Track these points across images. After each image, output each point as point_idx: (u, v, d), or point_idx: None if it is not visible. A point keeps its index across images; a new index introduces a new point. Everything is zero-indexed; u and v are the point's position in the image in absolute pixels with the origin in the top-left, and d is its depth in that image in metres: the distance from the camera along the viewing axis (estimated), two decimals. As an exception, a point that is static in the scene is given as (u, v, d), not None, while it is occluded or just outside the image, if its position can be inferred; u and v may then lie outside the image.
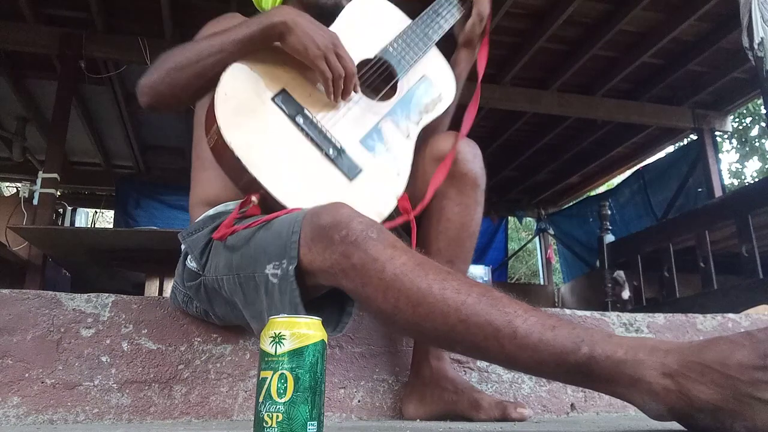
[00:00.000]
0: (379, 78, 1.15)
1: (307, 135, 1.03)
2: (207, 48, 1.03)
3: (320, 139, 1.03)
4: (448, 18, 1.26)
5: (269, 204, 0.96)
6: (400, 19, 1.23)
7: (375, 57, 1.16)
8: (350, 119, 1.09)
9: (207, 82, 1.03)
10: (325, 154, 1.03)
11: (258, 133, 0.99)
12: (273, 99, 1.02)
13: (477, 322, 0.73)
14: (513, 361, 0.73)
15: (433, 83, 1.21)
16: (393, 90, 1.16)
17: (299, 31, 1.02)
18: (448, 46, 1.30)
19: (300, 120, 1.03)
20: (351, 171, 1.05)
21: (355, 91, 1.09)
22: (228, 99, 0.99)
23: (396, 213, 1.07)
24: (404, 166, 1.11)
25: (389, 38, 1.18)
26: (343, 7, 1.19)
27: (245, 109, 1.00)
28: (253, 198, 0.96)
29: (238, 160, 0.95)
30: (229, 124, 0.96)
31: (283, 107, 1.02)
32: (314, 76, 1.07)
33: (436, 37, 1.24)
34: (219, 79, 1.01)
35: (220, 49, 1.02)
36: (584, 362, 0.67)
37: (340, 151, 1.04)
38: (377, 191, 1.07)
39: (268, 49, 1.06)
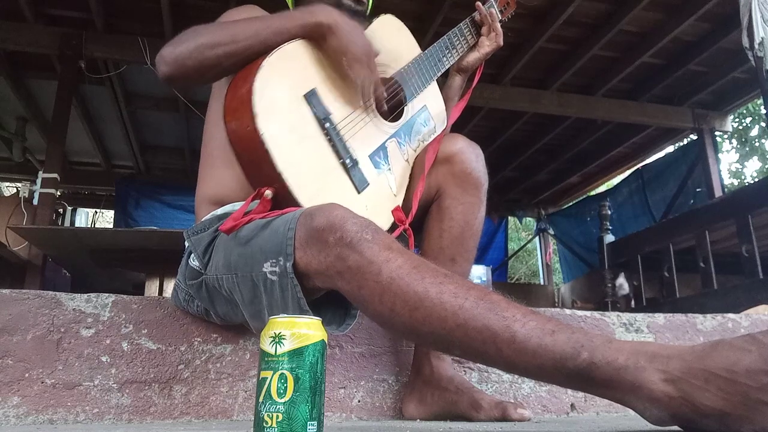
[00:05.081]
0: (389, 98, 1.18)
1: (330, 140, 1.03)
2: (243, 31, 1.03)
3: (340, 147, 1.04)
4: (459, 50, 1.32)
5: (280, 201, 0.96)
6: (412, 45, 1.29)
7: (391, 78, 1.19)
8: (363, 134, 1.11)
9: (235, 64, 1.03)
10: (342, 162, 1.04)
11: (288, 128, 0.98)
12: (304, 96, 1.02)
13: (475, 326, 0.72)
14: (512, 365, 0.72)
15: (431, 115, 1.27)
16: (399, 112, 1.20)
17: (341, 34, 1.05)
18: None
19: (327, 124, 1.03)
20: (360, 184, 1.06)
21: (380, 105, 1.12)
22: (267, 87, 0.97)
23: (392, 227, 1.09)
24: (402, 188, 1.16)
25: (403, 61, 1.22)
26: (357, 11, 1.22)
27: (280, 101, 0.99)
28: (267, 192, 0.95)
29: (266, 151, 0.93)
30: (264, 113, 0.95)
31: (313, 107, 1.02)
32: (341, 80, 1.09)
33: (444, 69, 1.29)
34: (246, 64, 1.02)
35: (255, 35, 1.02)
36: (584, 368, 0.66)
37: (355, 163, 1.06)
38: (379, 207, 1.09)
39: (305, 42, 1.06)
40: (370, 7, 1.33)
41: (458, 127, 1.25)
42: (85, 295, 1.10)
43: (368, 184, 1.08)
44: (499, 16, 1.38)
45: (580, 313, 1.34)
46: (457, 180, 1.12)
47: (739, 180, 10.14)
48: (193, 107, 4.26)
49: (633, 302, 3.51)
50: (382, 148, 1.14)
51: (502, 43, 1.35)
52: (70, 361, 1.04)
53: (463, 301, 0.74)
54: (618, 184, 6.09)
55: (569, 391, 1.24)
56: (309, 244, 0.83)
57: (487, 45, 1.34)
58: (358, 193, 1.06)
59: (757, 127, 9.89)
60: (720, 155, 7.84)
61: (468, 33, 1.33)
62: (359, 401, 1.15)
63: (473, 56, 1.34)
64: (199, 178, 1.17)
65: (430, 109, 1.27)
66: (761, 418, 0.58)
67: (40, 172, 3.73)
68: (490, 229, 6.69)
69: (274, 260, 0.87)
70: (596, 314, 1.36)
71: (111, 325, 1.08)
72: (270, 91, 0.98)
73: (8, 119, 5.09)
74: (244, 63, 1.03)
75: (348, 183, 1.05)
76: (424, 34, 3.73)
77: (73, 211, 5.67)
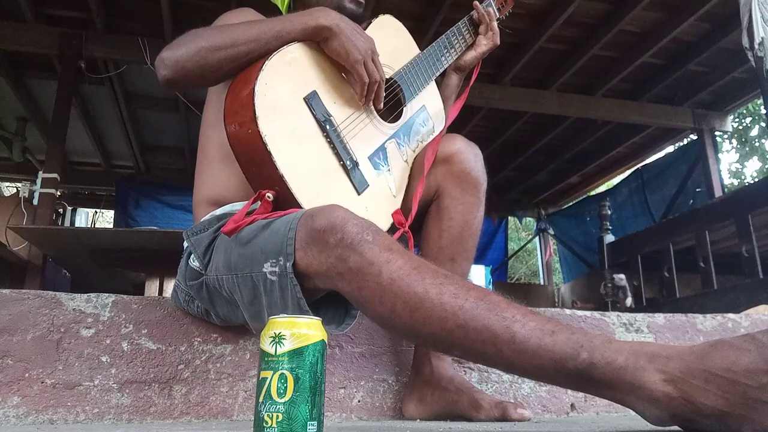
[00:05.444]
0: (389, 99, 1.17)
1: (330, 142, 1.03)
2: (244, 34, 1.03)
3: (341, 149, 1.04)
4: (457, 50, 1.32)
5: (281, 203, 0.96)
6: (410, 45, 1.28)
7: (391, 79, 1.19)
8: (363, 135, 1.11)
9: (236, 68, 1.03)
10: (342, 164, 1.04)
11: (289, 130, 0.98)
12: (305, 99, 1.02)
13: (475, 327, 0.73)
14: (511, 365, 0.73)
15: (429, 115, 1.27)
16: (398, 113, 1.20)
17: (343, 36, 1.05)
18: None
19: (327, 126, 1.03)
20: (360, 185, 1.06)
21: (377, 105, 1.12)
22: (268, 90, 0.97)
23: (392, 228, 1.10)
24: (401, 189, 1.16)
25: (402, 62, 1.22)
26: (358, 15, 1.22)
27: (281, 103, 0.99)
28: (269, 194, 0.95)
29: (269, 153, 0.93)
30: (266, 115, 0.95)
31: (313, 109, 1.02)
32: (342, 82, 1.09)
33: (442, 69, 1.29)
34: (246, 67, 1.02)
35: (256, 38, 1.02)
36: (584, 368, 0.67)
37: (355, 164, 1.06)
38: (378, 208, 1.09)
39: (305, 44, 1.06)
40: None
41: (458, 127, 1.26)
42: (85, 295, 1.10)
43: (368, 186, 1.08)
44: (497, 14, 1.38)
45: (580, 313, 1.34)
46: (456, 180, 1.12)
47: (739, 180, 10.14)
48: (193, 107, 4.27)
49: (633, 302, 3.51)
50: (382, 149, 1.14)
51: (499, 42, 1.35)
52: (70, 361, 1.04)
53: (463, 301, 0.74)
54: (618, 184, 6.09)
55: (569, 391, 1.24)
56: (309, 245, 0.84)
57: (485, 44, 1.34)
58: (358, 194, 1.06)
59: (757, 127, 9.90)
60: (720, 155, 7.85)
61: (466, 32, 1.33)
62: (359, 401, 1.15)
63: (470, 55, 1.34)
64: (196, 179, 1.17)
65: (428, 109, 1.27)
66: (761, 417, 0.58)
67: (40, 172, 3.73)
68: (490, 229, 6.69)
69: (274, 260, 0.88)
70: (596, 314, 1.36)
71: (111, 325, 1.08)
72: (271, 94, 0.97)
73: (8, 119, 5.09)
74: (244, 66, 1.03)
75: (348, 185, 1.05)
76: (424, 34, 3.73)
77: (73, 211, 5.68)
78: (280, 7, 1.29)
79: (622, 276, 3.50)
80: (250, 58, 1.02)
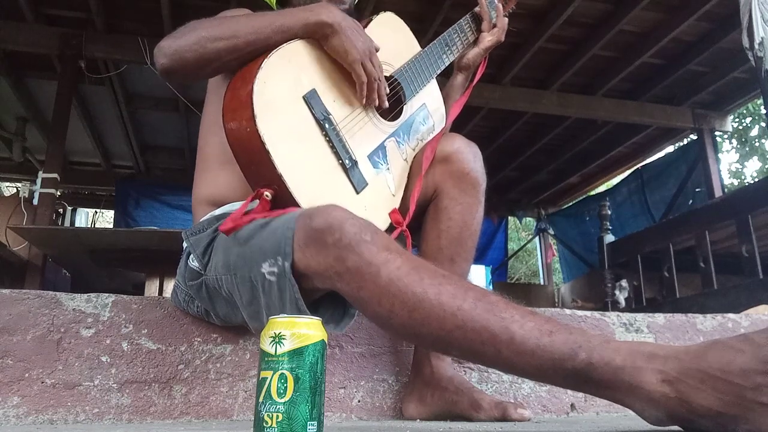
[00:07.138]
0: (389, 97, 1.17)
1: (329, 141, 1.03)
2: (244, 27, 1.02)
3: (339, 148, 1.04)
4: (459, 47, 1.31)
5: (279, 202, 0.96)
6: (411, 43, 1.28)
7: (391, 77, 1.19)
8: (363, 133, 1.10)
9: (235, 59, 1.02)
10: (341, 163, 1.04)
11: (287, 129, 0.98)
12: (304, 97, 1.02)
13: (473, 327, 0.73)
14: (510, 366, 0.73)
15: (430, 113, 1.27)
16: (398, 111, 1.20)
17: (344, 34, 1.05)
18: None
19: (326, 125, 1.02)
20: (359, 184, 1.06)
21: (382, 103, 1.12)
22: (267, 87, 0.97)
23: (390, 227, 1.09)
24: (400, 188, 1.15)
25: (403, 59, 1.22)
26: (350, 12, 1.21)
27: (280, 102, 0.99)
28: (267, 193, 0.95)
29: (267, 152, 0.93)
30: (264, 113, 0.94)
31: (312, 108, 1.02)
32: (341, 80, 1.09)
33: (444, 66, 1.28)
34: (246, 60, 1.02)
35: (257, 31, 1.02)
36: (582, 368, 0.67)
37: (354, 163, 1.06)
38: (377, 208, 1.09)
39: (305, 41, 1.06)
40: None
41: (458, 127, 1.25)
42: (85, 295, 1.10)
43: (367, 185, 1.08)
44: (502, 9, 1.37)
45: (580, 313, 1.34)
46: (455, 180, 1.12)
47: (739, 180, 10.14)
48: (193, 107, 4.27)
49: (633, 302, 3.51)
50: (381, 147, 1.13)
51: (503, 38, 1.34)
52: (70, 361, 1.04)
53: (461, 302, 0.74)
54: (617, 184, 6.10)
55: (569, 391, 1.24)
56: (308, 245, 0.83)
57: (488, 39, 1.32)
58: (357, 193, 1.05)
59: (757, 127, 9.90)
60: (720, 155, 7.85)
61: (468, 29, 1.32)
62: (359, 401, 1.15)
63: (474, 52, 1.32)
64: (196, 179, 1.17)
65: (428, 107, 1.27)
66: (756, 417, 0.58)
67: (40, 172, 3.73)
68: (490, 229, 6.69)
69: (272, 260, 0.87)
70: (596, 314, 1.36)
71: (111, 325, 1.08)
72: (270, 92, 0.97)
73: (8, 119, 5.09)
74: (244, 59, 1.02)
75: (347, 184, 1.05)
76: (424, 35, 3.73)
77: (73, 211, 5.68)
78: (271, 4, 1.28)
79: (625, 286, 3.49)
80: (249, 50, 1.02)
